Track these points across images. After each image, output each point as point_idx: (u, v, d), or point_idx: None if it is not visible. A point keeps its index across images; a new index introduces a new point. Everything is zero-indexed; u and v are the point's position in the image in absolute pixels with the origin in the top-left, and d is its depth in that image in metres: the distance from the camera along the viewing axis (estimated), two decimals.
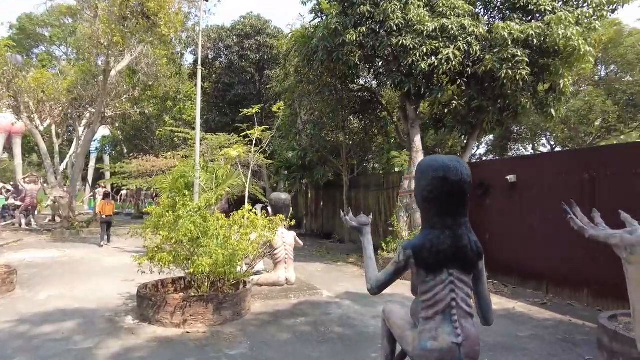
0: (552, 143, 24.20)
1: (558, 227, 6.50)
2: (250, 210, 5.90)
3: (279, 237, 6.55)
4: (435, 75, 8.26)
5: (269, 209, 7.18)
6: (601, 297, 5.84)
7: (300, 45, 10.16)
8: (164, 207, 5.39)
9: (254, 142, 8.61)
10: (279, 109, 9.91)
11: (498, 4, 9.11)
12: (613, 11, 8.73)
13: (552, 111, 8.82)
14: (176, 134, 13.52)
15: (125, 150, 25.15)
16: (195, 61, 19.63)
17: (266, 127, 9.60)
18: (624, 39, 18.33)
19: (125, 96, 16.93)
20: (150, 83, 16.32)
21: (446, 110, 9.56)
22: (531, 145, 25.23)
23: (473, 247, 2.30)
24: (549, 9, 7.89)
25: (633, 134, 21.97)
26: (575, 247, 6.21)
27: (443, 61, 7.88)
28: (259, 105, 9.31)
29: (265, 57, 18.83)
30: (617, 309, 5.39)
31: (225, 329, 4.74)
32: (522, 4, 8.21)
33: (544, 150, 24.63)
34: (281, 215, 6.08)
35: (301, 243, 7.32)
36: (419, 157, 9.00)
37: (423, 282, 2.31)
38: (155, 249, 5.11)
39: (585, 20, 8.09)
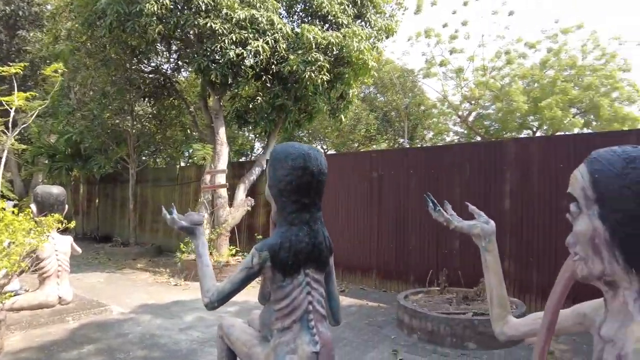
0: (325, 147, 27.54)
1: (351, 219, 7.24)
2: (4, 209, 4.30)
3: (50, 244, 5.06)
4: (242, 67, 8.00)
5: (32, 207, 5.45)
6: (385, 279, 6.75)
7: (81, 5, 8.21)
8: None
9: (11, 118, 6.36)
10: (55, 71, 7.53)
11: (299, 10, 9.54)
12: (387, 37, 10.38)
13: (342, 117, 9.86)
14: None
15: None
16: None
17: (33, 93, 7.25)
18: (382, 65, 22.40)
19: None
20: None
21: (250, 106, 9.46)
22: None
23: (327, 243, 2.14)
24: (345, 22, 8.71)
25: (383, 144, 27.26)
26: (364, 238, 7.03)
27: (252, 53, 7.71)
28: (22, 64, 6.89)
29: (21, 13, 14.69)
30: (398, 289, 6.30)
31: None
32: (322, 14, 8.78)
33: None
34: (57, 215, 4.65)
35: (79, 250, 5.88)
36: (224, 150, 8.57)
37: (279, 287, 2.01)
38: None
39: (371, 40, 9.31)
